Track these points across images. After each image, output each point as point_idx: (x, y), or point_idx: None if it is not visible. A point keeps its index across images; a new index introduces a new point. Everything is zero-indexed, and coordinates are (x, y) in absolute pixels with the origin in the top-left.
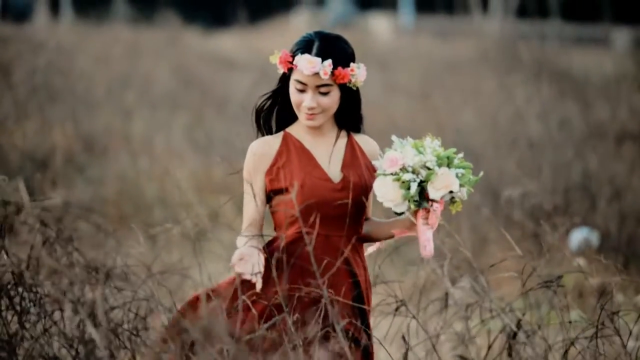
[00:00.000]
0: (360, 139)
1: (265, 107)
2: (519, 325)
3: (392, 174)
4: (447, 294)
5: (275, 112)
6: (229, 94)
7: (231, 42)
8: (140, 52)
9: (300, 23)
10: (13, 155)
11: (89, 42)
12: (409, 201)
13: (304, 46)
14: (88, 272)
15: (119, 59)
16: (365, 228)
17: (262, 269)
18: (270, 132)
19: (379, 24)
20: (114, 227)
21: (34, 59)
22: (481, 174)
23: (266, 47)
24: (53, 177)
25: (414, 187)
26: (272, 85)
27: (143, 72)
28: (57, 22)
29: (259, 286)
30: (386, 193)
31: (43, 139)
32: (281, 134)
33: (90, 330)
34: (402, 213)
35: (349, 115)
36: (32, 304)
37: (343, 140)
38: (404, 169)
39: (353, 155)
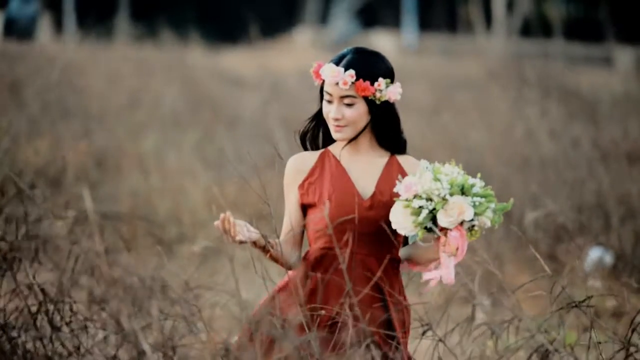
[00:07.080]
0: (403, 159)
1: (310, 128)
2: (547, 350)
3: (405, 200)
4: (473, 313)
5: (322, 131)
6: (238, 111)
7: (237, 59)
8: (149, 69)
9: (303, 41)
10: (26, 172)
11: (96, 59)
12: (418, 228)
13: (337, 58)
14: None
15: (127, 76)
16: (408, 251)
17: (251, 238)
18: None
19: (382, 42)
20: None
21: (43, 77)
22: (511, 201)
23: (271, 64)
24: (66, 194)
25: (422, 215)
26: (280, 101)
27: (152, 89)
28: (61, 40)
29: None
30: (398, 219)
31: (55, 156)
32: (321, 150)
33: (145, 347)
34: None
35: (385, 133)
36: (71, 319)
37: (382, 160)
38: (417, 196)
39: (389, 175)
